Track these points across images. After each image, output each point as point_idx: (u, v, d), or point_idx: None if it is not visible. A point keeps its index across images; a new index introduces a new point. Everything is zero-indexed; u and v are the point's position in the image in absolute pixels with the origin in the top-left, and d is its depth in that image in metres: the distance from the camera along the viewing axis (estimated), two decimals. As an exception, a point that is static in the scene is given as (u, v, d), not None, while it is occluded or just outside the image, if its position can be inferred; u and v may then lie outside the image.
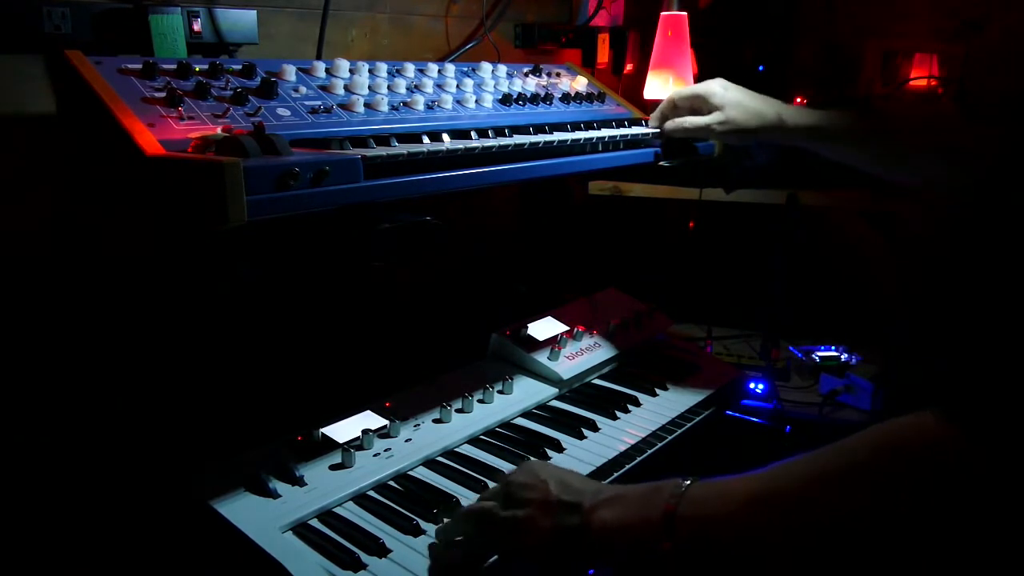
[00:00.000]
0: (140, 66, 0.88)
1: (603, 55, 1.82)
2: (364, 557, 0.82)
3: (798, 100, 1.80)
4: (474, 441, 1.07)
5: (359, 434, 0.99)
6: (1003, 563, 0.58)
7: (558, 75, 1.40)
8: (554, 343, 1.26)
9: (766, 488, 0.68)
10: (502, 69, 1.28)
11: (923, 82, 1.75)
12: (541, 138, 1.08)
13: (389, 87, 1.07)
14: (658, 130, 1.28)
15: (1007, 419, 0.57)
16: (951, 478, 0.59)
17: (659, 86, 1.68)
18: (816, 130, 1.19)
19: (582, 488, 0.79)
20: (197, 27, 1.04)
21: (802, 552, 0.65)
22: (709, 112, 1.22)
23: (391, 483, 0.96)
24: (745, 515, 0.68)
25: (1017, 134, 0.77)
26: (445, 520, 0.86)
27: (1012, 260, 0.64)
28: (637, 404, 1.20)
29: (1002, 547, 0.58)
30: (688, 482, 0.72)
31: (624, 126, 1.25)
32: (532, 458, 1.02)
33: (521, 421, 1.14)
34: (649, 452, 1.09)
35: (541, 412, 1.17)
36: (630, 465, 1.05)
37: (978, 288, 0.66)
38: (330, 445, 0.98)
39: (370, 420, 1.03)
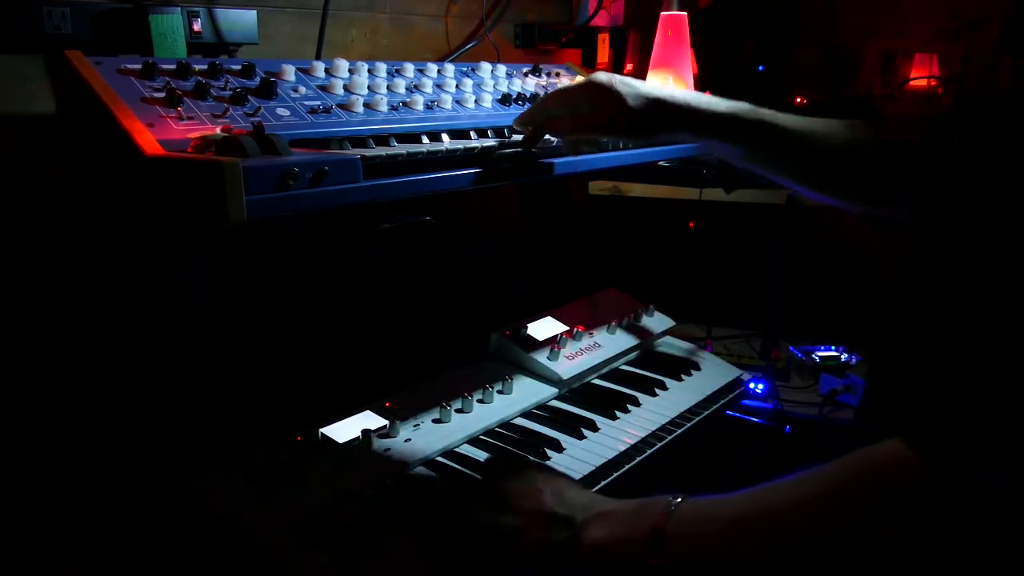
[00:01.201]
0: (140, 66, 0.88)
1: (603, 55, 1.83)
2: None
3: (798, 100, 1.80)
4: (474, 441, 1.07)
5: (359, 434, 0.99)
6: None
7: (558, 75, 1.40)
8: (554, 343, 1.26)
9: (752, 510, 0.69)
10: (502, 69, 1.28)
11: (923, 82, 1.75)
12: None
13: (389, 87, 1.07)
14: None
15: (967, 446, 0.57)
16: (917, 504, 0.60)
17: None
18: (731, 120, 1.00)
19: (575, 502, 0.79)
20: (197, 27, 1.04)
21: (791, 573, 0.66)
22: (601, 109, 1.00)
23: (391, 484, 0.96)
24: (731, 537, 0.68)
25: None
26: None
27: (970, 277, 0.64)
28: (637, 404, 1.20)
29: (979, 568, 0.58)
30: (679, 500, 0.73)
31: (624, 126, 1.25)
32: (532, 458, 1.02)
33: (521, 421, 1.14)
34: (649, 452, 1.09)
35: (541, 412, 1.17)
36: (630, 465, 1.05)
37: (936, 309, 0.66)
38: (330, 445, 0.98)
39: (370, 420, 1.03)
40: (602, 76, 1.00)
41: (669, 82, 1.66)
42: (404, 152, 0.90)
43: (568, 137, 1.06)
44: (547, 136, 1.04)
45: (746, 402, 1.47)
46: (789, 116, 0.98)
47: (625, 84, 0.98)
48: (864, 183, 0.96)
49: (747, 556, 0.67)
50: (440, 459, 1.02)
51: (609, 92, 0.97)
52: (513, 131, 1.09)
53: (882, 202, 0.97)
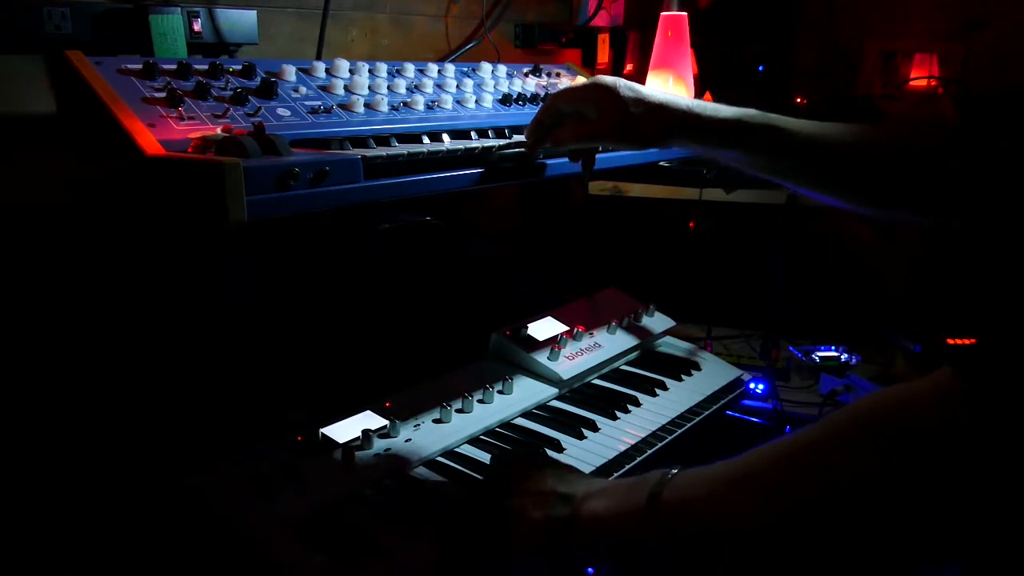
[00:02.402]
0: (140, 66, 0.88)
1: (603, 55, 1.83)
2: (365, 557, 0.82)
3: (798, 100, 1.80)
4: (474, 441, 1.07)
5: (359, 434, 0.99)
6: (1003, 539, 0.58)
7: (558, 75, 1.40)
8: (554, 343, 1.26)
9: (744, 468, 0.69)
10: (502, 69, 1.28)
11: (923, 82, 1.75)
12: (541, 138, 1.08)
13: (389, 87, 1.07)
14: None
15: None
16: (959, 440, 0.57)
17: (659, 86, 1.68)
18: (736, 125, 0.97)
19: (575, 480, 0.80)
20: (197, 27, 1.04)
21: (780, 529, 0.65)
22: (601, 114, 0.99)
23: (391, 483, 0.96)
24: (722, 495, 0.69)
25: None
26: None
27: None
28: (637, 404, 1.20)
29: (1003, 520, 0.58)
30: (675, 470, 0.74)
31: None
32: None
33: (521, 421, 1.14)
34: (649, 452, 1.09)
35: (541, 412, 1.17)
36: (630, 465, 1.06)
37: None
38: (330, 445, 0.98)
39: (370, 420, 1.03)
40: (607, 79, 0.98)
41: (669, 82, 1.66)
42: (405, 152, 0.90)
43: (571, 146, 1.03)
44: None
45: (746, 402, 1.47)
46: (795, 120, 0.96)
47: (629, 88, 0.97)
48: (876, 186, 0.94)
49: (736, 515, 0.67)
50: (440, 459, 1.02)
51: (614, 95, 0.95)
52: (514, 131, 1.08)
53: (892, 204, 0.95)
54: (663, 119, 0.96)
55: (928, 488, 0.59)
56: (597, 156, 1.12)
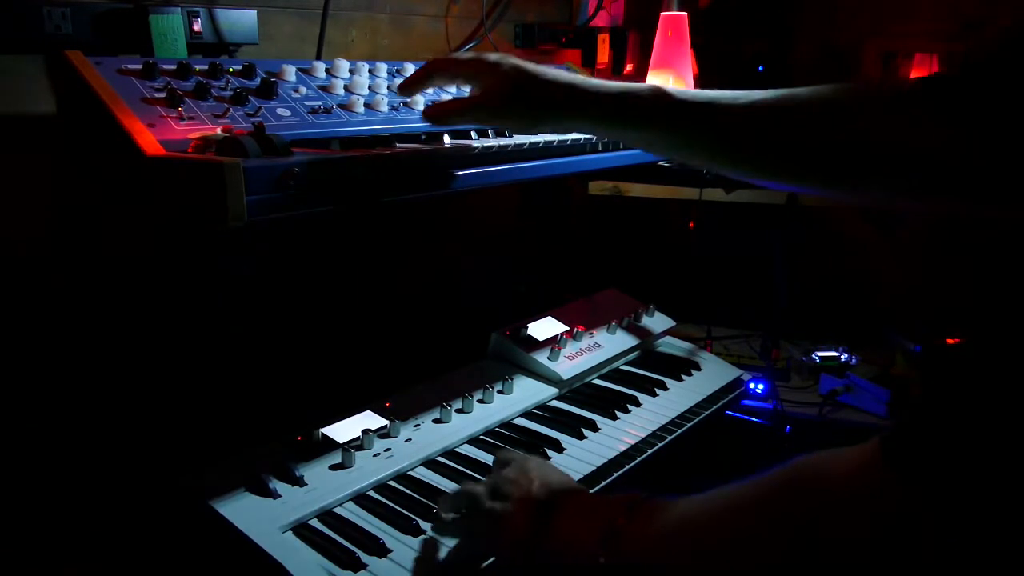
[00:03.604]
0: (140, 66, 0.88)
1: (603, 55, 1.83)
2: (364, 557, 0.82)
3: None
4: (474, 441, 1.07)
5: (359, 434, 0.99)
6: None
7: (558, 75, 1.40)
8: (554, 343, 1.26)
9: (695, 512, 0.67)
10: (502, 69, 1.28)
11: (923, 82, 1.75)
12: (541, 138, 1.08)
13: (389, 87, 1.07)
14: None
15: (948, 469, 0.51)
16: (877, 527, 0.54)
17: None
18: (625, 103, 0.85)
19: (560, 491, 0.79)
20: (197, 27, 1.04)
21: None
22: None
23: (391, 483, 0.96)
24: (672, 538, 0.67)
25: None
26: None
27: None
28: (637, 404, 1.20)
29: None
30: (644, 498, 0.71)
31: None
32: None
33: (521, 421, 1.14)
34: (649, 452, 1.09)
35: (541, 412, 1.17)
36: (630, 465, 1.06)
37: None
38: (330, 445, 0.98)
39: (370, 420, 1.03)
40: (492, 54, 0.88)
41: (669, 83, 1.66)
42: (406, 151, 0.90)
43: (447, 122, 0.93)
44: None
45: (746, 402, 1.47)
46: (693, 91, 0.85)
47: (513, 66, 0.86)
48: (850, 164, 0.79)
49: (684, 558, 0.66)
50: (440, 459, 1.02)
51: (496, 68, 0.86)
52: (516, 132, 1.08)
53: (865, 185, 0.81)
54: (545, 94, 0.85)
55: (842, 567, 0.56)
56: (597, 156, 1.12)
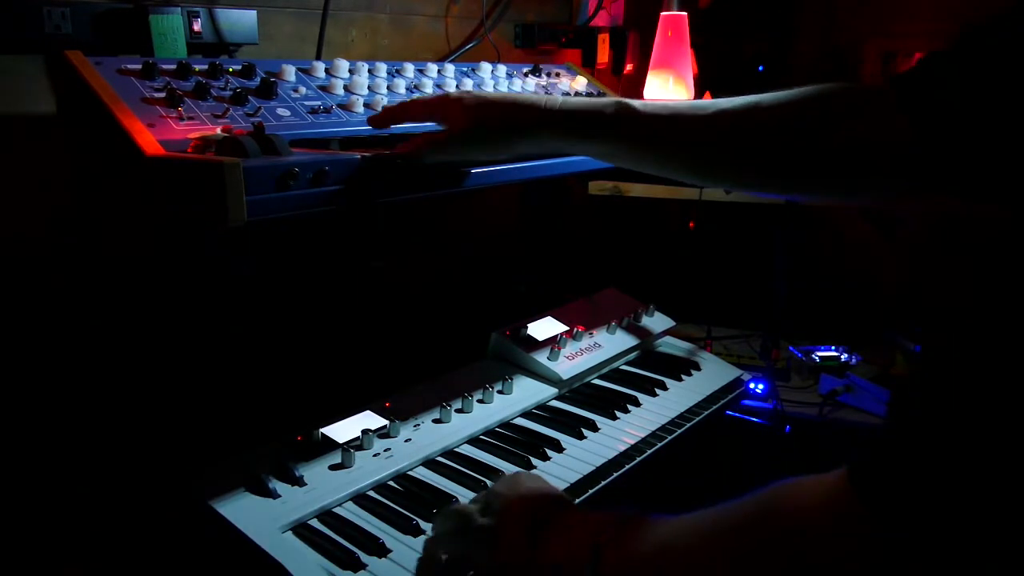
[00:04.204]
0: (140, 66, 0.88)
1: (603, 55, 1.83)
2: (364, 557, 0.82)
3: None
4: (474, 441, 1.07)
5: (359, 434, 0.99)
6: None
7: (558, 75, 1.40)
8: (554, 343, 1.26)
9: (673, 536, 0.66)
10: (502, 69, 1.28)
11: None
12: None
13: (389, 87, 1.07)
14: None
15: (914, 500, 0.50)
16: (834, 549, 0.53)
17: (659, 86, 1.68)
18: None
19: (551, 507, 0.78)
20: (197, 27, 1.04)
21: None
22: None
23: (391, 483, 0.96)
24: (650, 562, 0.66)
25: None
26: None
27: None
28: (637, 404, 1.20)
29: None
30: (631, 516, 0.71)
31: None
32: (532, 458, 1.02)
33: (521, 421, 1.14)
34: (649, 452, 1.09)
35: (541, 412, 1.17)
36: (630, 465, 1.06)
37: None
38: (330, 445, 0.98)
39: (370, 420, 1.03)
40: (455, 92, 0.93)
41: (669, 82, 1.66)
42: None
43: (424, 157, 0.93)
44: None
45: (746, 402, 1.47)
46: (657, 103, 0.86)
47: (475, 97, 0.90)
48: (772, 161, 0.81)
49: None
50: (440, 459, 1.02)
51: (457, 103, 0.89)
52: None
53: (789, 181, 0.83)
54: (506, 117, 0.88)
55: None
56: None
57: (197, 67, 0.93)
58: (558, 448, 1.06)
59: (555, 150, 0.94)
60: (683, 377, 1.31)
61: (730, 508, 0.62)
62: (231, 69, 0.96)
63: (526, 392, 1.19)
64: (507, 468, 1.00)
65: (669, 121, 0.84)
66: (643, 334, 1.40)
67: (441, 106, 0.91)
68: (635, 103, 0.85)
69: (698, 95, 1.73)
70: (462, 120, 0.88)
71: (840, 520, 0.53)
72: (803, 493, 0.57)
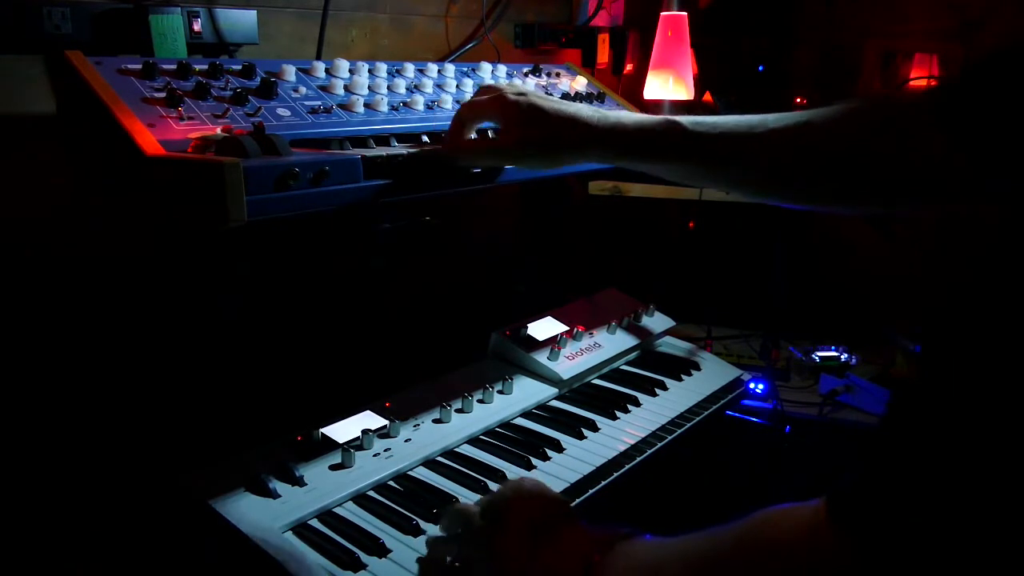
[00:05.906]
0: (140, 66, 0.88)
1: (603, 55, 1.83)
2: (364, 557, 0.82)
3: (798, 100, 1.80)
4: (474, 441, 1.07)
5: (359, 434, 0.99)
6: None
7: (558, 75, 1.40)
8: (554, 343, 1.26)
9: (660, 562, 0.66)
10: (502, 69, 1.28)
11: (923, 82, 1.75)
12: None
13: (389, 87, 1.07)
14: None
15: (894, 532, 0.49)
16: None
17: (659, 86, 1.68)
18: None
19: (551, 518, 0.78)
20: (197, 27, 1.04)
21: None
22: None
23: (391, 483, 0.96)
24: None
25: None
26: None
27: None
28: (637, 404, 1.20)
29: None
30: (622, 535, 0.70)
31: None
32: (532, 458, 1.02)
33: (521, 421, 1.14)
34: (649, 452, 1.09)
35: (541, 412, 1.17)
36: (630, 465, 1.05)
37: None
38: (330, 445, 0.98)
39: (370, 420, 1.03)
40: (510, 94, 0.93)
41: (669, 82, 1.66)
42: (405, 152, 0.90)
43: (481, 163, 0.97)
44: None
45: (746, 402, 1.47)
46: (710, 118, 0.88)
47: (531, 106, 0.91)
48: (820, 176, 0.83)
49: None
50: (440, 459, 1.02)
51: (513, 106, 0.91)
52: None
53: (829, 196, 0.86)
54: (558, 135, 0.90)
55: None
56: None
57: (197, 67, 0.93)
58: (558, 448, 1.06)
59: (600, 164, 0.98)
60: (683, 377, 1.31)
61: (718, 536, 0.62)
62: (231, 69, 0.96)
63: (526, 392, 1.19)
64: (507, 468, 1.00)
65: (718, 140, 0.87)
66: (643, 334, 1.40)
67: (498, 108, 0.92)
68: (684, 120, 0.88)
69: (698, 95, 1.73)
70: (517, 132, 0.91)
71: (819, 552, 0.53)
72: (785, 523, 0.57)
